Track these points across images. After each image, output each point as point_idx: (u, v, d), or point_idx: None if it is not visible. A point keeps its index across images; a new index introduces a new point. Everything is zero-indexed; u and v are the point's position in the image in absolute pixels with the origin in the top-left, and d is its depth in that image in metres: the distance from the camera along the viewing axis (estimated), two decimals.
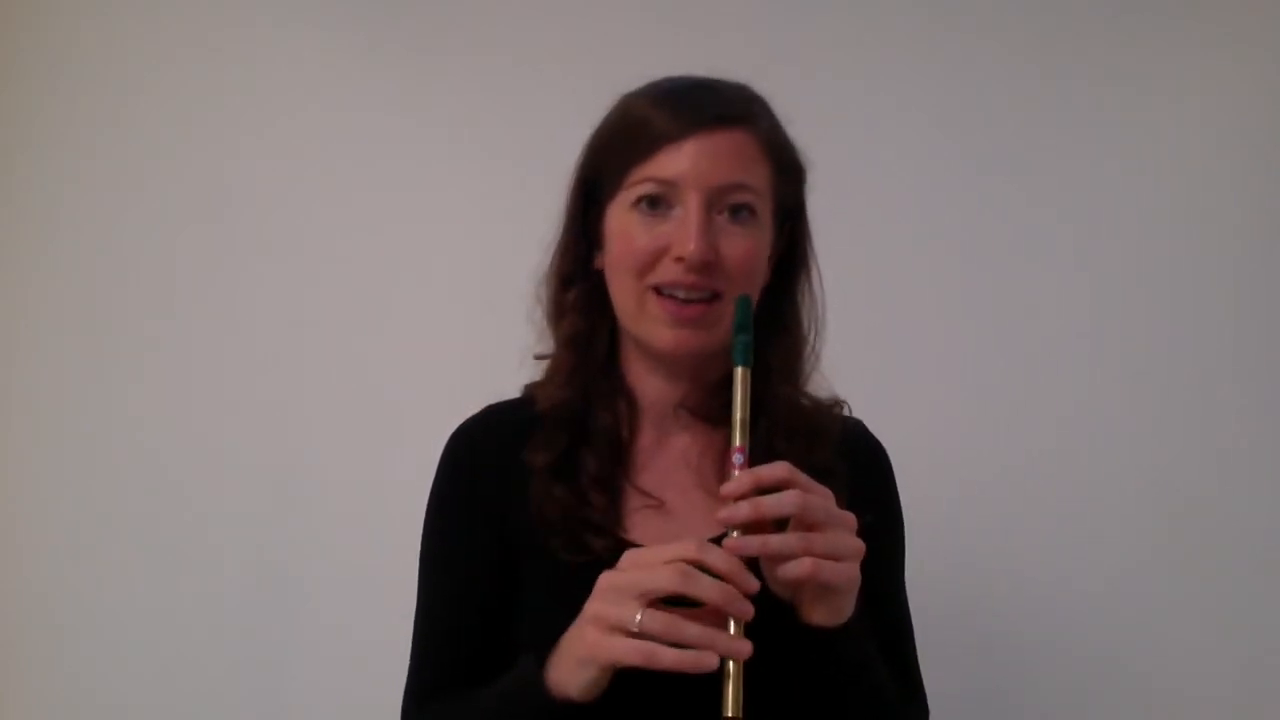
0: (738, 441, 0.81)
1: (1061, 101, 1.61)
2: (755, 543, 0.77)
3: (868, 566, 0.82)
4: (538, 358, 1.02)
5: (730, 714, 0.74)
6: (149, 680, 1.60)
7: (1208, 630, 1.53)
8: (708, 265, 0.88)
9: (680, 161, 0.89)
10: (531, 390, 1.01)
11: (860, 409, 1.05)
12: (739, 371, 0.82)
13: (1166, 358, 1.57)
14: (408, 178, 1.65)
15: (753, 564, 0.77)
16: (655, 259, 0.90)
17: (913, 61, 1.63)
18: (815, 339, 0.99)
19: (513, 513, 0.93)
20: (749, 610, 0.75)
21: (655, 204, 0.90)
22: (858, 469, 0.87)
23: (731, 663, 0.74)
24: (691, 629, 0.74)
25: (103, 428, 1.65)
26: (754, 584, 0.75)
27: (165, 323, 1.66)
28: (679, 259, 0.88)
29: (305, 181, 1.66)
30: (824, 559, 0.76)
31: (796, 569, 0.76)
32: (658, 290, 0.90)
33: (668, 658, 0.73)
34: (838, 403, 1.01)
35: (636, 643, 0.74)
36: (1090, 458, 1.56)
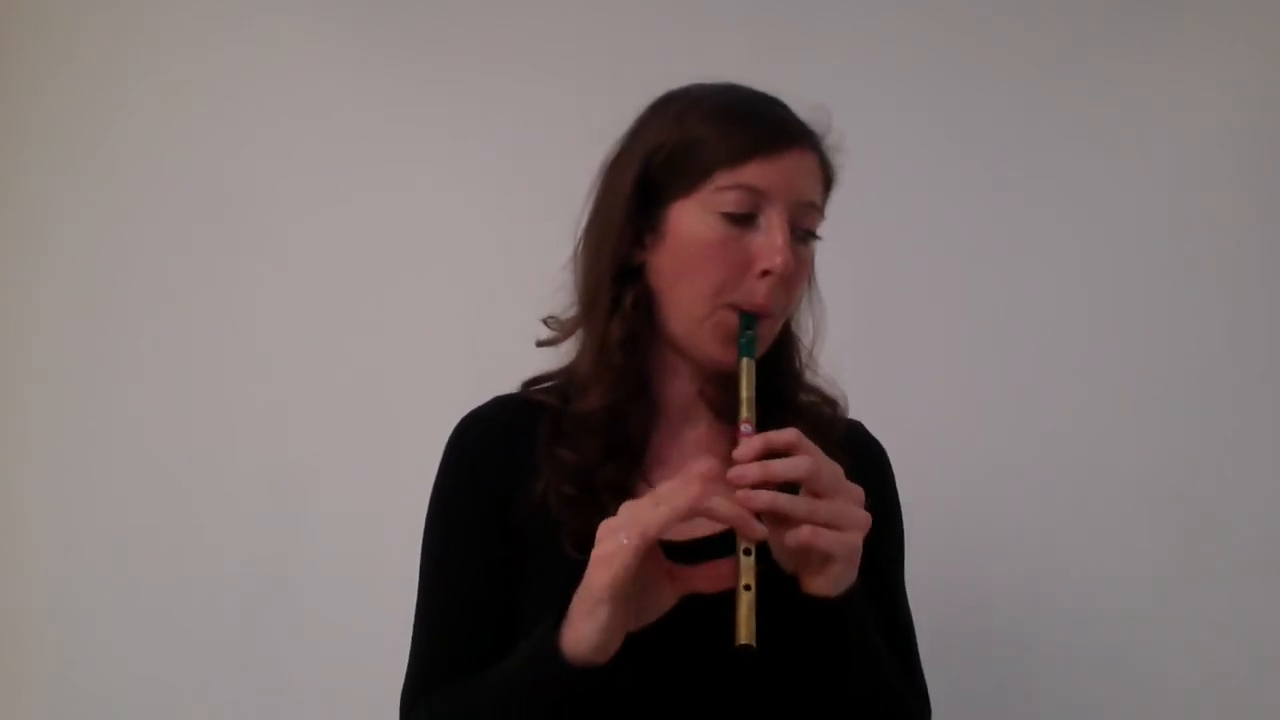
0: (745, 414, 0.84)
1: (1061, 101, 1.61)
2: (765, 496, 0.77)
3: (868, 569, 0.82)
4: (543, 344, 1.00)
5: (743, 641, 0.74)
6: (149, 680, 1.60)
7: (1209, 630, 1.52)
8: (790, 281, 0.90)
9: (773, 174, 0.88)
10: (531, 390, 1.00)
11: (860, 408, 1.05)
12: (744, 363, 0.87)
13: (1166, 357, 1.57)
14: (408, 179, 1.65)
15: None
16: (741, 273, 0.89)
17: (913, 61, 1.63)
18: (814, 343, 1.01)
19: (519, 502, 0.92)
20: (762, 531, 0.76)
21: (745, 219, 0.89)
22: (859, 469, 0.87)
23: (743, 593, 0.75)
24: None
25: (103, 428, 1.65)
26: (761, 530, 0.76)
27: (165, 323, 1.66)
28: (765, 272, 0.88)
29: (305, 182, 1.66)
30: (825, 526, 0.77)
31: (795, 537, 0.77)
32: (730, 305, 0.90)
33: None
34: (838, 402, 1.01)
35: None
36: (1090, 458, 1.56)
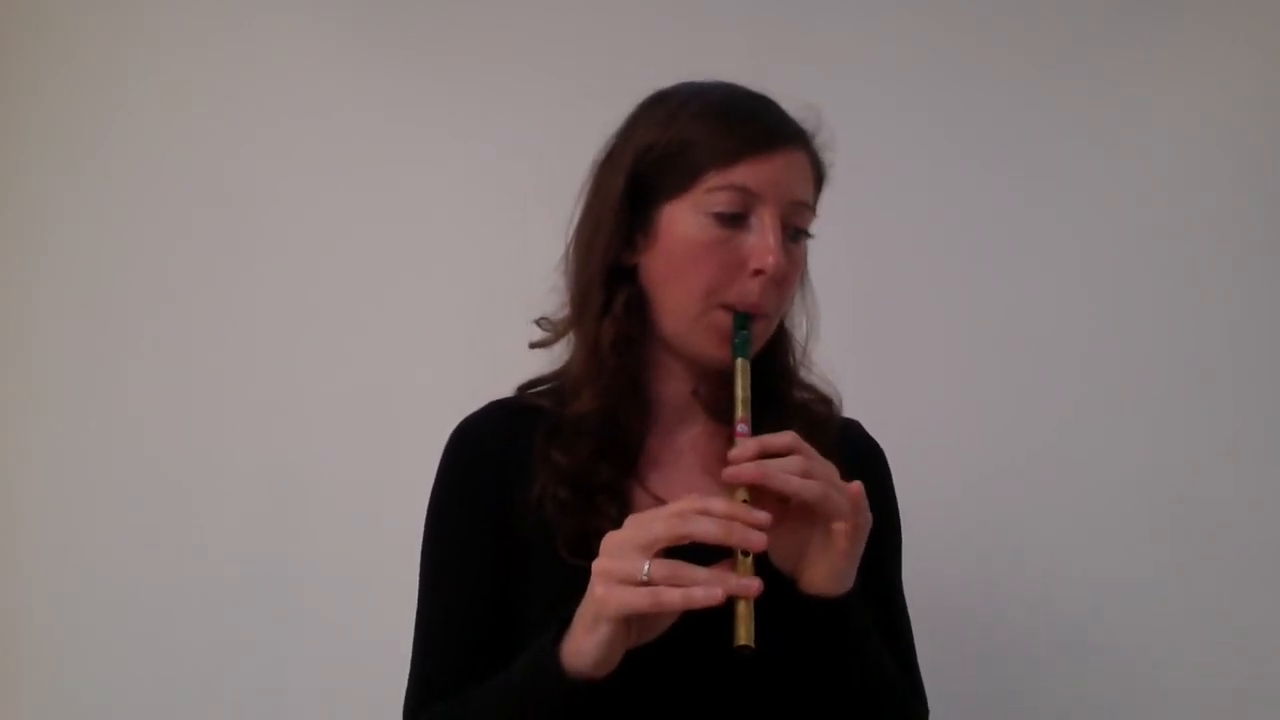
0: (740, 413, 0.84)
1: (1061, 101, 1.61)
2: (752, 469, 0.78)
3: (866, 568, 0.83)
4: (536, 345, 1.00)
5: (741, 642, 0.74)
6: (149, 680, 1.60)
7: (1209, 630, 1.53)
8: (783, 280, 0.89)
9: (764, 174, 0.88)
10: (526, 393, 1.00)
11: (860, 408, 1.05)
12: (739, 363, 0.87)
13: (1166, 357, 1.57)
14: (408, 179, 1.65)
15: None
16: (734, 273, 0.89)
17: (913, 61, 1.63)
18: (809, 341, 1.01)
19: (516, 506, 0.92)
20: (759, 540, 0.75)
21: (736, 219, 0.88)
22: (855, 469, 0.87)
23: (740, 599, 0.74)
24: (699, 571, 0.74)
25: (103, 428, 1.65)
26: (760, 516, 0.76)
27: (165, 323, 1.66)
28: (757, 272, 0.88)
29: (305, 182, 1.66)
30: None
31: (812, 489, 0.78)
32: (724, 305, 0.90)
33: (674, 596, 0.73)
34: (832, 399, 1.01)
35: (644, 590, 0.73)
36: (1090, 458, 1.56)
